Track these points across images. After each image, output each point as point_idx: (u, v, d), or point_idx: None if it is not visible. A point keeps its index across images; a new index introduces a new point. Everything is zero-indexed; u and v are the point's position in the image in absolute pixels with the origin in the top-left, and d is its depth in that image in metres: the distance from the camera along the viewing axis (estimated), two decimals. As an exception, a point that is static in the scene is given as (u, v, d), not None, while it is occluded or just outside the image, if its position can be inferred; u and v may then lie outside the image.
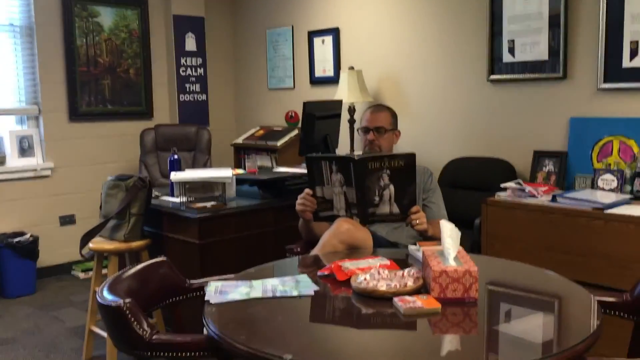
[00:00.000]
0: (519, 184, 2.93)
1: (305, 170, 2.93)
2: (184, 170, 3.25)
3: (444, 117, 3.75)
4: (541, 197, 2.82)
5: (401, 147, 3.40)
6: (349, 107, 4.03)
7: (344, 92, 3.94)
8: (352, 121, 4.03)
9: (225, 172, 2.99)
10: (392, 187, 2.15)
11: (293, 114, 4.61)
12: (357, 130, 2.62)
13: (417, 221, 2.18)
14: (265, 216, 3.02)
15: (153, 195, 3.08)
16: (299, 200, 2.28)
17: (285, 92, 4.76)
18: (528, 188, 2.87)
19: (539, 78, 3.27)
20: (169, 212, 2.94)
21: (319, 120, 3.25)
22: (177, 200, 3.01)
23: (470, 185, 3.40)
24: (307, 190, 2.26)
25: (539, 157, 3.18)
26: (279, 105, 4.80)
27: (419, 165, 2.31)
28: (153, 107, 4.78)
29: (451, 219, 2.30)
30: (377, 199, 2.16)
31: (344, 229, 2.15)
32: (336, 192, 2.21)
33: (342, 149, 3.97)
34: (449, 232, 1.70)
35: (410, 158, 2.13)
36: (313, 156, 2.30)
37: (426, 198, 2.47)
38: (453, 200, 3.23)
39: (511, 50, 3.36)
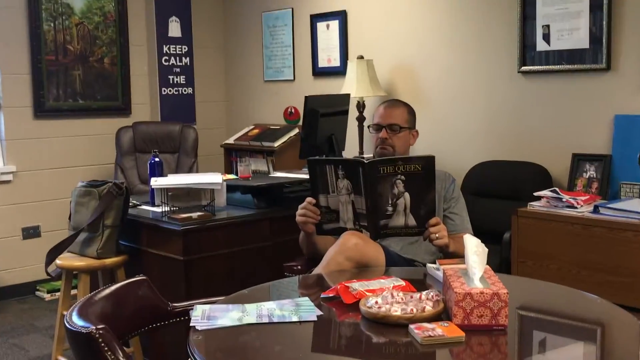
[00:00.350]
0: (555, 192, 2.92)
1: (306, 176, 2.93)
2: (166, 175, 3.25)
3: (468, 115, 3.75)
4: (581, 207, 2.82)
5: (418, 149, 3.40)
6: (358, 102, 4.04)
7: (351, 85, 3.94)
8: (361, 119, 4.04)
9: (214, 178, 2.99)
10: (407, 196, 2.15)
11: (293, 111, 4.61)
12: (368, 127, 2.63)
13: (437, 235, 2.18)
14: (261, 229, 3.02)
15: (130, 204, 3.09)
16: (299, 211, 2.28)
17: (284, 85, 4.77)
18: (566, 197, 2.87)
19: (578, 69, 3.27)
20: (149, 224, 2.94)
21: (323, 117, 3.25)
22: (158, 209, 3.01)
23: (499, 194, 3.39)
24: (309, 199, 2.26)
25: (579, 160, 3.17)
26: (277, 101, 4.81)
27: (439, 170, 2.31)
28: (131, 102, 4.79)
29: (476, 232, 2.30)
30: (390, 209, 2.16)
31: (351, 244, 2.15)
32: (343, 201, 2.21)
33: (350, 151, 3.98)
34: (474, 248, 1.69)
35: (428, 161, 2.13)
36: (316, 159, 2.29)
37: (447, 208, 2.47)
38: (478, 210, 3.22)
39: (546, 37, 3.36)
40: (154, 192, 3.06)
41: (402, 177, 2.13)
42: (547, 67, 3.38)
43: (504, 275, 1.92)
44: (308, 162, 2.27)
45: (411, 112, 2.60)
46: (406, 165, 2.12)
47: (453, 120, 3.81)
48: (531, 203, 2.94)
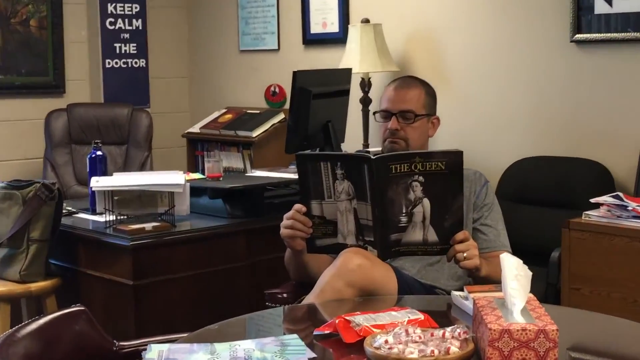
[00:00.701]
0: (618, 198, 2.93)
1: (295, 176, 2.93)
2: (111, 173, 3.24)
3: (505, 97, 3.75)
4: (652, 218, 2.83)
5: (439, 142, 3.40)
6: (362, 80, 4.04)
7: (354, 58, 3.94)
8: (366, 101, 4.04)
9: (174, 178, 2.99)
10: (427, 203, 2.15)
11: (277, 90, 4.61)
12: (374, 115, 2.63)
13: (465, 254, 2.18)
14: (235, 244, 3.01)
15: (64, 212, 3.08)
16: (285, 222, 2.28)
17: (266, 56, 4.76)
18: (632, 205, 2.87)
19: (649, 39, 3.28)
20: (89, 238, 2.94)
21: (317, 99, 3.25)
22: (100, 219, 3.00)
23: (545, 200, 3.39)
24: (297, 207, 2.26)
25: (649, 157, 3.18)
26: (256, 77, 4.80)
27: (467, 169, 2.31)
28: (65, 77, 4.78)
29: (515, 250, 2.30)
30: (404, 219, 2.16)
31: (353, 265, 2.15)
32: (342, 210, 2.21)
33: (351, 144, 3.97)
34: (514, 271, 1.69)
35: (455, 158, 2.14)
36: (307, 154, 2.29)
37: (478, 219, 2.47)
38: (518, 222, 3.22)
39: (607, -3, 3.37)
40: (95, 196, 3.05)
41: (421, 178, 2.13)
42: (609, 35, 3.38)
43: (552, 306, 1.92)
44: (297, 158, 2.27)
45: (430, 94, 2.60)
46: (426, 162, 2.13)
47: (486, 104, 3.81)
48: (587, 212, 2.95)
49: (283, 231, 2.29)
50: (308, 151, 3.08)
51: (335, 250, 2.25)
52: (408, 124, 2.51)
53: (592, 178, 3.33)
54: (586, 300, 2.86)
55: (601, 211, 2.93)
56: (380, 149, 2.61)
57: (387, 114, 2.54)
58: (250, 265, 3.03)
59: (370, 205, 2.16)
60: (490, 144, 3.78)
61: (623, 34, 3.35)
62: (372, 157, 2.14)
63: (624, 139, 3.36)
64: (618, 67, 3.40)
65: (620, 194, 2.97)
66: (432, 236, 2.18)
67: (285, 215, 2.29)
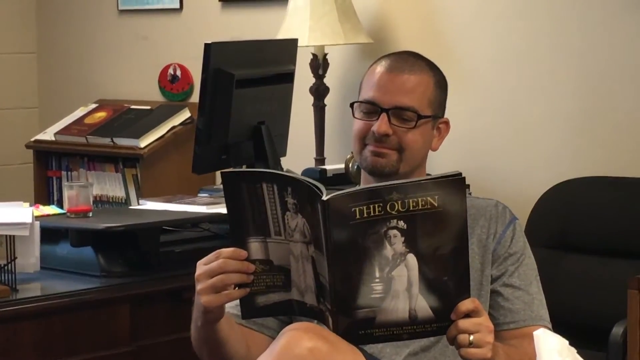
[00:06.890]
0: None
1: (208, 210, 2.93)
2: None
3: (540, 87, 3.80)
4: None
5: (437, 156, 3.43)
6: (314, 58, 4.06)
7: (300, 23, 3.98)
8: (319, 92, 4.06)
9: (15, 214, 2.98)
10: (412, 261, 2.13)
11: (178, 73, 4.61)
12: (351, 106, 2.60)
13: (472, 337, 2.18)
14: (111, 319, 3.01)
15: None
16: (207, 267, 2.19)
17: (161, 19, 4.80)
18: None
19: None
20: None
21: (243, 88, 3.27)
22: None
23: (602, 246, 3.41)
24: (228, 251, 2.19)
25: None
26: (146, 52, 4.82)
27: (483, 200, 2.32)
28: None
29: (556, 324, 2.33)
30: (378, 288, 2.15)
31: (303, 349, 2.13)
32: (297, 254, 2.18)
33: (297, 159, 3.96)
34: (555, 357, 1.71)
35: (452, 187, 2.13)
36: (242, 171, 2.27)
37: (500, 277, 2.47)
38: (561, 281, 3.24)
39: None
40: None
41: (401, 223, 2.12)
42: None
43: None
44: (224, 178, 2.25)
45: (440, 85, 2.56)
46: (408, 199, 2.13)
47: (508, 96, 3.85)
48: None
49: (203, 284, 2.20)
50: (241, 168, 3.07)
51: (287, 310, 2.24)
52: (406, 129, 2.50)
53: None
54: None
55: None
56: (342, 165, 2.60)
57: (373, 108, 2.53)
58: (135, 352, 3.03)
59: (327, 263, 2.15)
60: (516, 158, 3.82)
61: None
62: (322, 195, 2.10)
63: None
64: None
65: None
66: (424, 310, 2.15)
67: (204, 260, 2.22)
